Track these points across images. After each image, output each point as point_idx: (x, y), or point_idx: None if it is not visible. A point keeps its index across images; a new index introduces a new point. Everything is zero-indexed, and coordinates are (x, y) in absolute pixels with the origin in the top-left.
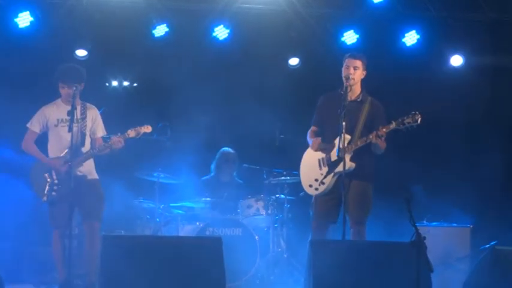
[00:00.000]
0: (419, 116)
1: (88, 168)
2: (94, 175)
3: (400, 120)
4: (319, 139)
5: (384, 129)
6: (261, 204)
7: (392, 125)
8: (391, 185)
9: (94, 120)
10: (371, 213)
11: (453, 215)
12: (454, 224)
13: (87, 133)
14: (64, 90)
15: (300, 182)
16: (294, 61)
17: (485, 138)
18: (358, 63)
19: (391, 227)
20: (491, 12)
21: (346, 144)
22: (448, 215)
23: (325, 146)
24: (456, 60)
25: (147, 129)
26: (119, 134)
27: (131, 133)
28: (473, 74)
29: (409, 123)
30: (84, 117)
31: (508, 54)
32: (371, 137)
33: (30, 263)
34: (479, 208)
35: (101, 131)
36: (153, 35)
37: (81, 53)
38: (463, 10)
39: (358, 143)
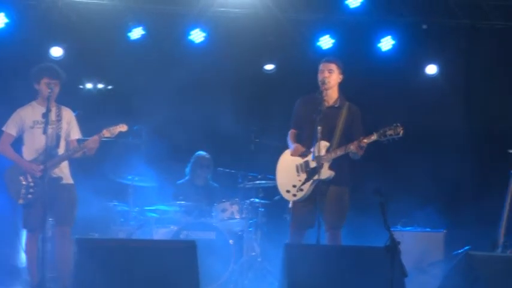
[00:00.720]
0: (402, 128)
1: (63, 172)
2: (69, 179)
3: (381, 131)
4: (301, 147)
5: (365, 141)
6: (235, 208)
7: (374, 137)
8: (364, 189)
9: (69, 123)
10: (346, 218)
11: (427, 220)
12: (428, 229)
13: (62, 135)
14: (46, 87)
15: (274, 186)
16: (269, 66)
17: (458, 144)
18: (333, 66)
19: (365, 231)
20: (465, 18)
21: (324, 151)
22: (422, 220)
23: (305, 152)
24: (431, 69)
25: (123, 128)
26: (95, 135)
27: (106, 133)
28: (447, 80)
29: (390, 135)
30: (59, 120)
31: (482, 60)
32: (352, 147)
33: (1, 266)
34: (453, 213)
35: (76, 134)
36: (128, 37)
37: (56, 53)
38: (437, 16)
39: (338, 152)
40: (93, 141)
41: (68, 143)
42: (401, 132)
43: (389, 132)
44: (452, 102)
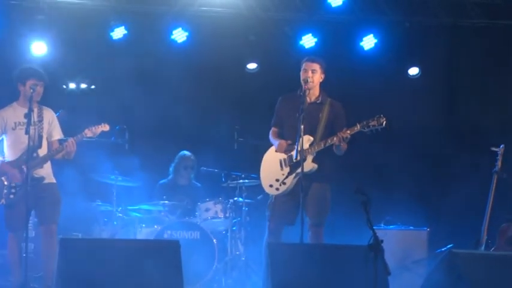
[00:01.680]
0: (384, 119)
1: (46, 172)
2: (52, 179)
3: (364, 122)
4: (287, 142)
5: (348, 132)
6: (219, 207)
7: (357, 128)
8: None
9: (51, 123)
10: (329, 215)
11: (410, 219)
12: (411, 227)
13: (44, 136)
14: (26, 88)
15: (258, 185)
16: (252, 65)
17: (442, 143)
18: (316, 66)
19: (348, 229)
20: (447, 16)
21: (308, 145)
22: (405, 219)
23: (290, 148)
24: (413, 70)
25: (105, 127)
26: (77, 135)
27: (88, 132)
28: (429, 79)
29: (374, 126)
30: (41, 120)
31: (464, 59)
32: (335, 139)
33: None
34: (436, 211)
35: (57, 134)
36: (111, 37)
37: (38, 52)
38: (419, 14)
39: (322, 144)
40: (72, 144)
41: (50, 143)
42: (384, 123)
43: (373, 123)
44: (434, 101)
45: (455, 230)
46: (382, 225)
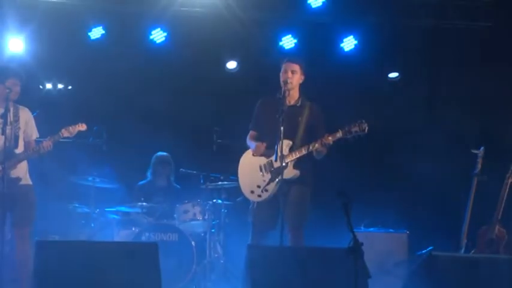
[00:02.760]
0: (366, 124)
1: (22, 173)
2: (28, 180)
3: (346, 128)
4: (264, 145)
5: (330, 138)
6: (197, 209)
7: (339, 134)
8: (328, 189)
9: (27, 123)
10: (308, 218)
11: (390, 221)
12: (391, 230)
13: (20, 135)
14: (5, 88)
15: (237, 187)
16: (231, 65)
17: (420, 146)
18: (296, 67)
19: (328, 232)
20: (427, 18)
21: (287, 150)
22: (384, 221)
23: (268, 152)
24: (393, 74)
25: (82, 127)
26: (54, 135)
27: (65, 132)
28: (410, 82)
29: (356, 132)
30: (17, 120)
31: (445, 61)
32: (317, 145)
33: None
34: (416, 214)
35: (34, 134)
36: (89, 37)
37: (15, 49)
38: (400, 16)
39: (303, 150)
40: (48, 144)
41: (26, 143)
42: (366, 128)
43: (355, 129)
44: (415, 103)
45: (435, 232)
46: (362, 227)
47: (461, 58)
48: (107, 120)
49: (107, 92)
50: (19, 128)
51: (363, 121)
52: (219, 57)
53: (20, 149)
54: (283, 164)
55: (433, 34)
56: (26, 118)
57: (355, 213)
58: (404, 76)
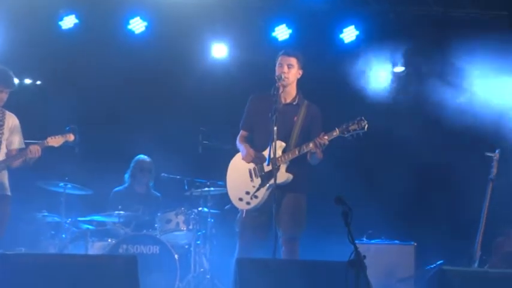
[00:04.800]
0: (366, 122)
1: (2, 182)
2: (6, 190)
3: (344, 126)
4: (253, 151)
5: (326, 137)
6: (181, 218)
7: (336, 132)
8: (325, 196)
9: (12, 130)
10: (304, 228)
11: (395, 232)
12: (397, 242)
13: (3, 141)
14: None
15: (225, 194)
16: (219, 53)
17: (430, 148)
18: (293, 60)
19: (326, 244)
20: (437, 6)
21: (280, 153)
22: (389, 232)
23: (258, 156)
24: (399, 69)
25: (70, 137)
26: (38, 142)
27: (51, 141)
28: (418, 75)
29: (354, 130)
30: (1, 124)
31: (457, 54)
32: (311, 145)
33: None
34: (424, 224)
35: (17, 143)
36: (60, 27)
37: None
38: (406, 3)
39: (296, 151)
40: (35, 150)
41: (8, 151)
42: (366, 126)
43: (353, 127)
44: (425, 100)
45: (445, 244)
46: (365, 239)
47: (474, 50)
48: (79, 119)
49: (80, 88)
50: (2, 133)
51: (362, 118)
52: (204, 49)
53: (1, 155)
54: (275, 167)
55: (444, 24)
56: (12, 124)
57: (357, 223)
58: (411, 71)
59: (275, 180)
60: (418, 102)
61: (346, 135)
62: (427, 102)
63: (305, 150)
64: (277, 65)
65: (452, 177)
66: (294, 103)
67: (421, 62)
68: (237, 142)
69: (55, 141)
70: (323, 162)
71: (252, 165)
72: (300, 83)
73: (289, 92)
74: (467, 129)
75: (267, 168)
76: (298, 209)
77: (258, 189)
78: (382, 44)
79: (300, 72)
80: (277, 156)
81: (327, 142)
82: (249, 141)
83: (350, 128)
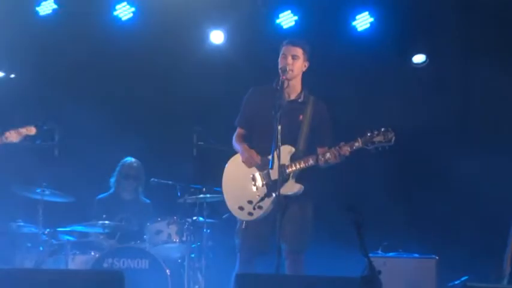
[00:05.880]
0: (393, 134)
1: None
2: None
3: (368, 137)
4: (256, 156)
5: (348, 148)
6: (173, 229)
7: (358, 143)
8: (335, 203)
9: None
10: (311, 240)
11: (414, 244)
12: (416, 255)
13: None
14: None
15: (223, 201)
16: (216, 40)
17: (452, 150)
18: (298, 51)
19: (336, 258)
20: None
21: (289, 158)
22: (408, 244)
23: (263, 161)
24: (418, 58)
25: (30, 131)
26: None
27: (10, 136)
28: (439, 67)
29: (379, 142)
30: None
31: (483, 42)
32: (328, 156)
33: None
34: (446, 235)
35: None
36: (37, 13)
37: None
38: None
39: (310, 160)
40: None
41: None
42: (393, 139)
43: (378, 138)
44: (444, 96)
45: (470, 258)
46: (380, 252)
47: (503, 38)
48: (59, 117)
49: (59, 82)
50: None
51: (389, 129)
52: (199, 38)
53: None
54: (283, 175)
55: (468, 8)
56: None
57: (371, 234)
58: (432, 61)
59: (279, 187)
60: (445, 101)
61: (370, 148)
62: (453, 100)
63: (322, 161)
64: (280, 56)
65: (479, 186)
66: (300, 100)
67: (445, 51)
68: (234, 141)
69: (13, 135)
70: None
71: (255, 170)
72: (306, 77)
73: (294, 87)
74: None
75: (274, 175)
76: (304, 219)
77: (262, 199)
78: (400, 31)
79: (306, 64)
80: (285, 162)
81: (348, 154)
82: (246, 140)
83: (375, 140)
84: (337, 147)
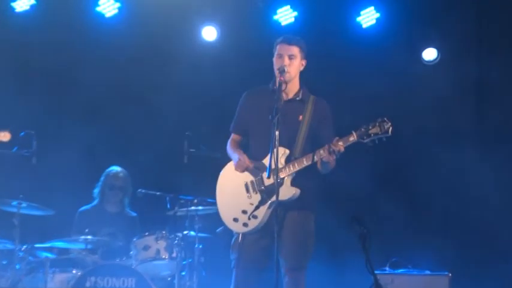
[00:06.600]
0: (390, 124)
1: None
2: None
3: (363, 129)
4: (248, 160)
5: (341, 143)
6: (162, 244)
7: (353, 137)
8: (339, 215)
9: None
10: (312, 255)
11: (425, 260)
12: (428, 272)
13: None
14: None
15: (216, 214)
16: (209, 36)
17: (466, 155)
18: (295, 50)
19: (338, 275)
20: None
21: (283, 162)
22: (417, 260)
23: (256, 165)
24: (429, 54)
25: (4, 136)
26: None
27: None
28: (452, 65)
29: (376, 134)
30: None
31: (499, 36)
32: (322, 153)
33: None
34: (460, 250)
35: None
36: (13, 9)
37: None
38: None
39: (305, 161)
40: None
41: None
42: (390, 129)
43: (374, 130)
44: (461, 95)
45: (485, 275)
46: (388, 268)
47: None
48: (38, 123)
49: (38, 85)
50: None
51: (385, 119)
52: (190, 36)
53: None
54: (278, 180)
55: (483, 1)
56: None
57: (378, 249)
58: (444, 58)
59: (277, 196)
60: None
61: (366, 141)
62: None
63: (315, 160)
64: (275, 55)
65: (492, 197)
66: (298, 98)
67: (456, 49)
68: (228, 148)
69: None
70: (337, 169)
71: (248, 178)
72: (306, 77)
73: (292, 87)
74: None
75: (268, 181)
76: (305, 232)
77: (257, 208)
78: (410, 28)
79: (303, 63)
80: (279, 166)
81: (342, 149)
82: (242, 147)
83: (370, 132)
84: (330, 143)
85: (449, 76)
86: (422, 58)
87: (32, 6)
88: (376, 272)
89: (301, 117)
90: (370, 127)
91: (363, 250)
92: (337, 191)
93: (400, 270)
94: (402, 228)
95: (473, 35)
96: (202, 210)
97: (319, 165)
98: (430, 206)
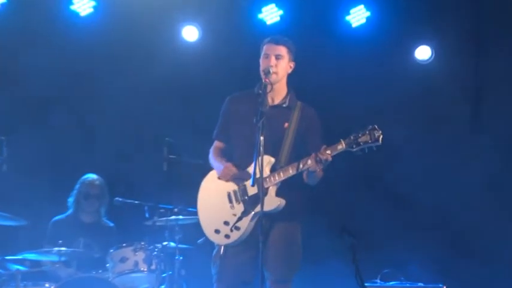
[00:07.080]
0: (380, 132)
1: None
2: None
3: (352, 138)
4: (233, 167)
5: (329, 152)
6: (141, 256)
7: (341, 146)
8: (327, 226)
9: None
10: (299, 267)
11: (417, 271)
12: (421, 284)
13: None
14: None
15: (199, 224)
16: (191, 36)
17: (462, 162)
18: (282, 50)
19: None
20: None
21: (268, 170)
22: (410, 271)
23: (240, 174)
24: (423, 52)
25: None
26: None
27: None
28: (446, 66)
29: (365, 142)
30: None
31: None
32: (309, 162)
33: None
34: (454, 261)
35: None
36: None
37: None
38: None
39: (290, 170)
40: None
41: None
42: (381, 137)
43: (363, 138)
44: (456, 98)
45: (482, 286)
46: (379, 281)
47: None
48: (7, 128)
49: (8, 89)
50: None
51: (375, 127)
52: (170, 36)
53: None
54: (262, 190)
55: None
56: None
57: (369, 260)
58: (437, 57)
59: (262, 206)
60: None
61: (355, 150)
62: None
63: (302, 169)
64: (261, 56)
65: (488, 206)
66: (284, 105)
67: (452, 48)
68: (210, 156)
69: None
70: (325, 178)
71: (231, 187)
72: (292, 79)
73: (278, 91)
74: None
75: (252, 190)
76: (291, 244)
77: (240, 219)
78: (402, 28)
79: (292, 65)
80: (264, 175)
81: (330, 158)
82: (226, 155)
83: (360, 140)
84: (318, 152)
85: (444, 76)
86: (416, 59)
87: (2, 4)
88: (366, 284)
89: (286, 124)
90: (360, 135)
91: (352, 261)
92: (324, 199)
93: (392, 283)
94: (394, 237)
95: (469, 33)
96: (182, 219)
97: (305, 176)
98: (425, 215)
